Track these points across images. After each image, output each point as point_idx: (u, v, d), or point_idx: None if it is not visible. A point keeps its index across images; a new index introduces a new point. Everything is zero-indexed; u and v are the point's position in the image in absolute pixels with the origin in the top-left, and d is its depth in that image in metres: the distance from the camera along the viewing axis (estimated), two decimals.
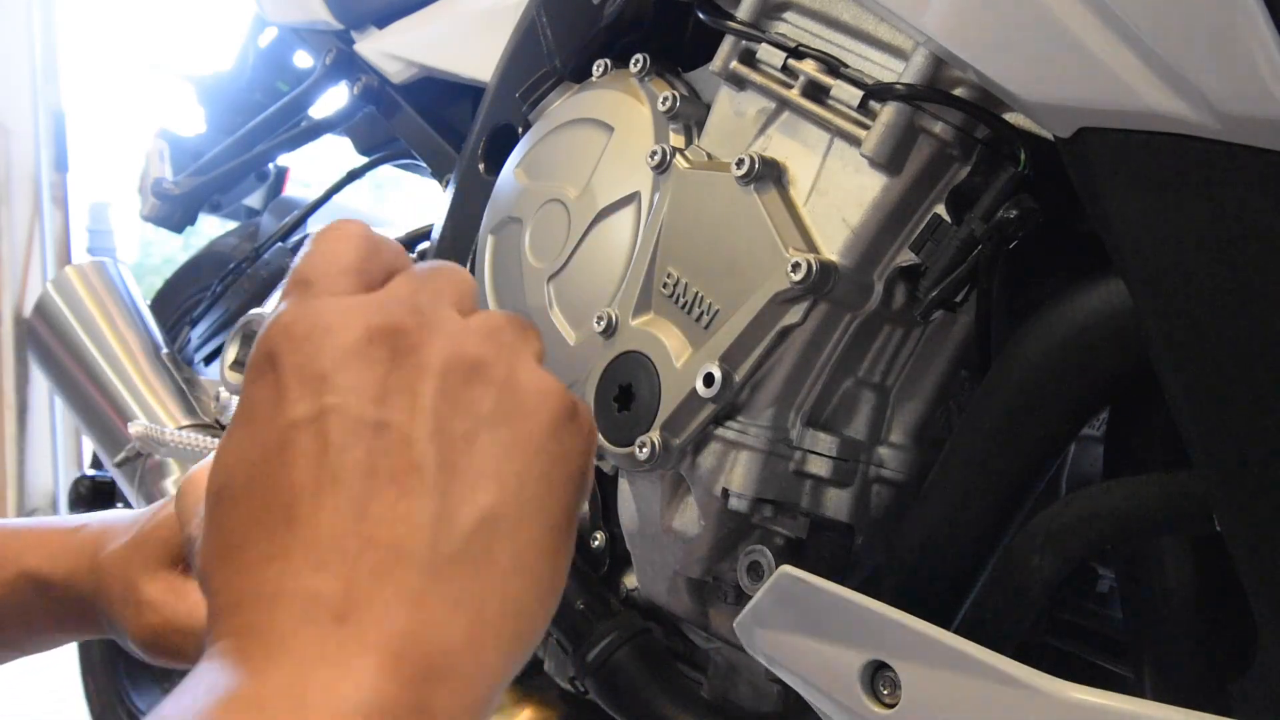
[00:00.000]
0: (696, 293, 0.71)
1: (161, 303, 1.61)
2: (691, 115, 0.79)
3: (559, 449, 0.37)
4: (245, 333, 0.47)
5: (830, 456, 0.70)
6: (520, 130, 0.93)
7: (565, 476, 0.37)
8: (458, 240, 0.98)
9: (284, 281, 0.39)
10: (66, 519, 0.65)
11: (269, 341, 0.36)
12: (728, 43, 0.73)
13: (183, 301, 1.58)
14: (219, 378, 1.33)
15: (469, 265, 0.95)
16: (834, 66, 0.67)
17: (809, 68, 0.68)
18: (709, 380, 0.69)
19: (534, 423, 0.36)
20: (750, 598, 0.66)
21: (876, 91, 0.64)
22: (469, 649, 0.32)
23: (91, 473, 1.54)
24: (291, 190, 1.72)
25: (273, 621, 0.31)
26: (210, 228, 1.78)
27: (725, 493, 0.71)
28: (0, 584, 0.61)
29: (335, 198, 1.46)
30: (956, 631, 0.56)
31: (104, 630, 0.62)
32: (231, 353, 0.48)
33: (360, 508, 0.33)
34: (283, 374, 0.35)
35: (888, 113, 0.63)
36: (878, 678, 0.56)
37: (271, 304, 0.49)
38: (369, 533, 0.32)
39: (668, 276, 0.73)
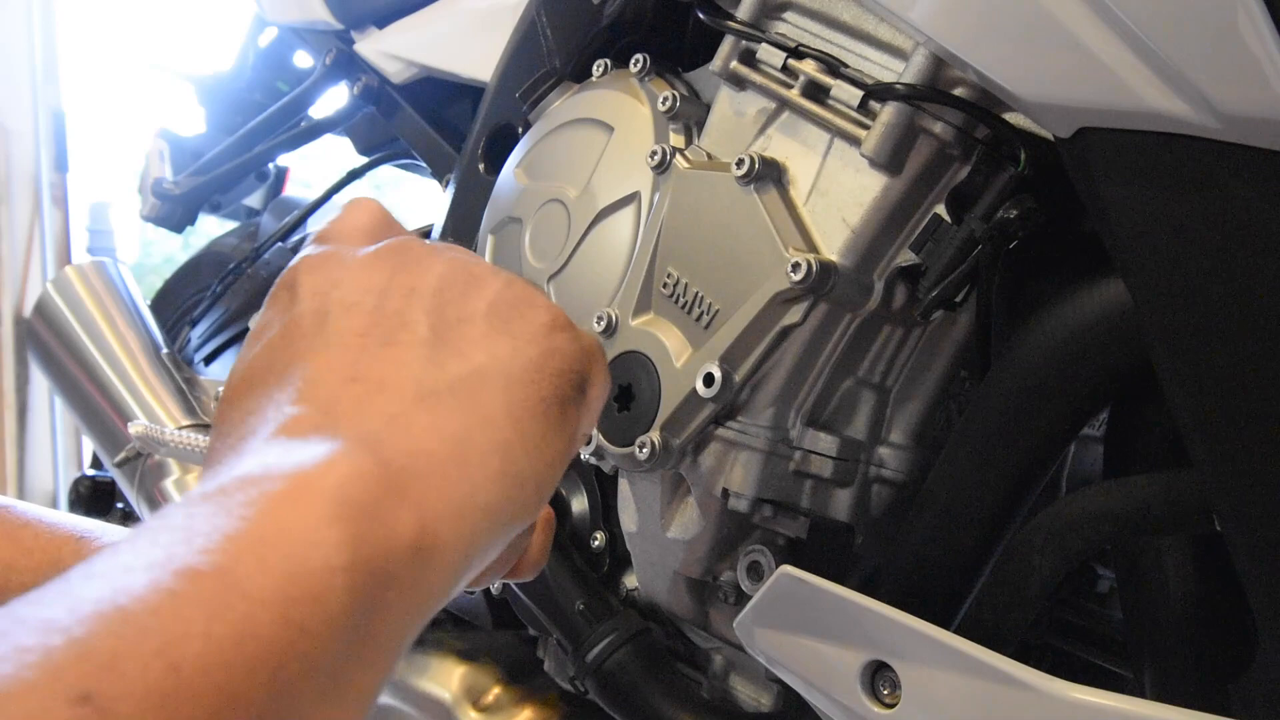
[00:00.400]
0: (696, 293, 0.71)
1: (161, 303, 1.61)
2: (691, 115, 0.79)
3: (551, 345, 0.38)
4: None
5: (830, 456, 0.70)
6: (520, 130, 0.93)
7: (557, 368, 0.38)
8: (458, 240, 0.98)
9: (307, 240, 0.42)
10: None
11: (290, 274, 0.39)
12: (728, 43, 0.73)
13: (183, 301, 1.58)
14: (219, 378, 1.33)
15: None
16: (834, 66, 0.67)
17: (809, 68, 0.68)
18: (709, 380, 0.69)
19: (528, 321, 0.38)
20: (750, 598, 0.66)
21: (876, 91, 0.64)
22: (451, 460, 0.33)
23: (91, 473, 1.54)
24: (291, 190, 1.71)
25: (248, 440, 0.32)
26: (210, 228, 1.78)
27: (725, 493, 0.71)
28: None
29: (335, 198, 1.46)
30: (956, 631, 0.56)
31: None
32: None
33: (351, 358, 0.35)
34: (298, 289, 0.37)
35: (888, 113, 0.63)
36: (878, 678, 0.56)
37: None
38: (355, 373, 0.34)
39: (668, 276, 0.73)
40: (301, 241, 1.45)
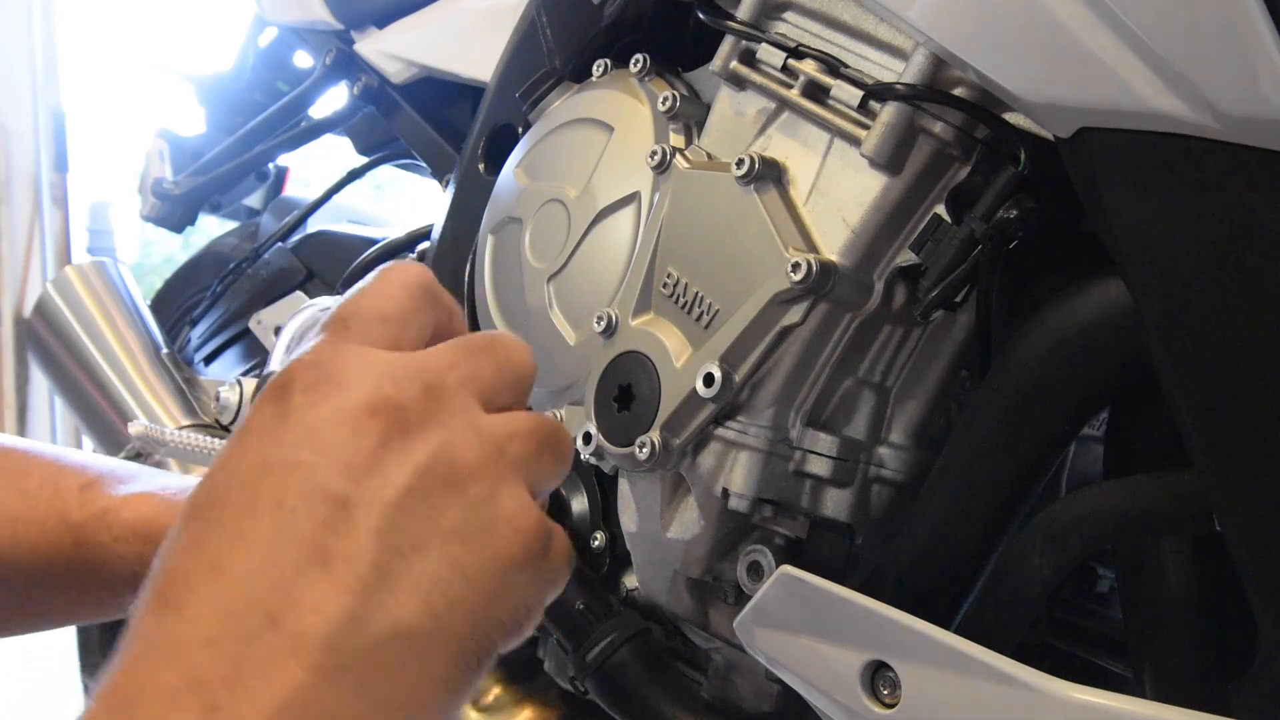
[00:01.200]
0: (696, 293, 0.71)
1: (161, 303, 1.61)
2: (691, 115, 0.79)
3: (505, 588, 0.36)
4: (268, 378, 0.47)
5: (830, 456, 0.70)
6: (520, 130, 0.93)
7: (503, 614, 0.36)
8: (458, 240, 0.98)
9: (329, 314, 0.39)
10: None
11: (288, 374, 0.36)
12: (728, 43, 0.73)
13: (183, 301, 1.58)
14: (219, 378, 1.33)
15: (469, 265, 0.95)
16: (834, 66, 0.67)
17: (809, 68, 0.68)
18: (709, 380, 0.69)
19: (493, 554, 0.35)
20: (750, 598, 0.66)
21: (876, 91, 0.64)
22: None
23: None
24: (291, 190, 1.71)
25: (144, 701, 0.31)
26: (210, 228, 1.78)
27: (725, 493, 0.71)
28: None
29: (335, 198, 1.46)
30: (956, 631, 0.56)
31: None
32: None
33: (281, 578, 0.32)
34: (283, 410, 0.35)
35: (888, 113, 0.63)
36: (878, 678, 0.56)
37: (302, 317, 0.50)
38: (278, 611, 0.32)
39: (668, 276, 0.73)
40: (302, 241, 1.45)
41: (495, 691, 1.01)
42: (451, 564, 0.34)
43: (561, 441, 0.40)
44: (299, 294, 1.20)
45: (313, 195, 1.49)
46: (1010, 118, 0.61)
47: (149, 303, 1.46)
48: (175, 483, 0.60)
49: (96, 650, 1.61)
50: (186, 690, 0.30)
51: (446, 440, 0.36)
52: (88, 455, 0.62)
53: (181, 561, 0.33)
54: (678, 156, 0.75)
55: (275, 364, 0.49)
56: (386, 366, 0.36)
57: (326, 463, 0.34)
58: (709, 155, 0.75)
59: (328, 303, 0.49)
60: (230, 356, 1.52)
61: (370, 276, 0.40)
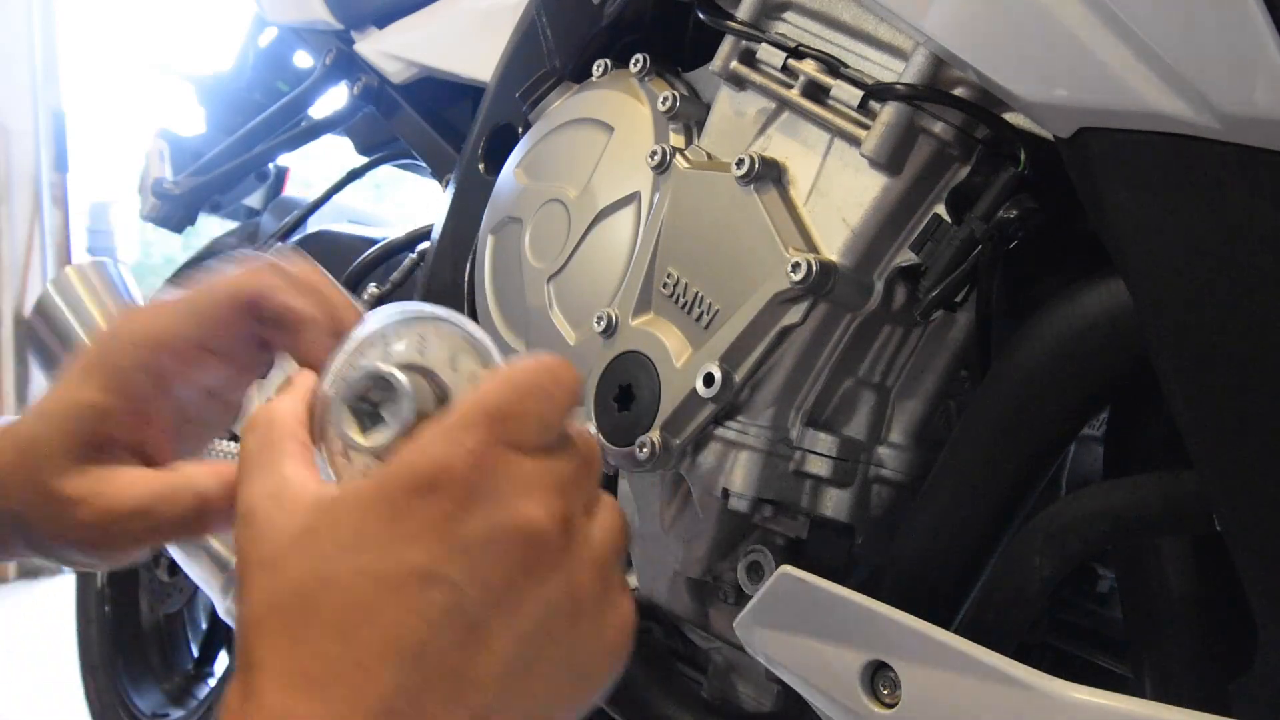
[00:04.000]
0: (696, 293, 0.71)
1: None
2: (691, 115, 0.79)
3: (594, 693, 0.39)
4: (373, 376, 0.41)
5: (830, 456, 0.70)
6: (520, 130, 0.93)
7: (584, 707, 0.39)
8: (458, 240, 0.98)
9: (471, 400, 0.38)
10: None
11: (438, 469, 0.36)
12: (728, 43, 0.73)
13: None
14: None
15: (469, 265, 0.95)
16: (834, 66, 0.67)
17: (809, 68, 0.68)
18: (709, 380, 0.69)
19: (596, 669, 0.38)
20: (750, 598, 0.66)
21: (876, 91, 0.64)
22: None
23: None
24: (291, 190, 1.72)
25: None
26: (210, 228, 1.78)
27: (725, 493, 0.71)
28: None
29: (335, 198, 1.46)
30: (956, 631, 0.56)
31: (25, 547, 0.55)
32: (350, 424, 0.42)
33: (418, 694, 0.34)
34: (433, 510, 0.35)
35: (888, 113, 0.63)
36: (878, 678, 0.56)
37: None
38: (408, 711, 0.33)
39: (668, 276, 0.73)
40: (302, 241, 1.45)
41: None
42: (557, 688, 0.37)
43: (627, 525, 0.42)
44: None
45: (313, 195, 1.49)
46: (1010, 118, 0.61)
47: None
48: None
49: (96, 650, 1.61)
50: None
51: (571, 576, 0.37)
52: None
53: (327, 645, 0.34)
54: (678, 156, 0.75)
55: (369, 356, 0.45)
56: (537, 483, 0.37)
57: (474, 584, 0.35)
58: (709, 155, 0.75)
59: (453, 318, 0.44)
60: None
61: (530, 367, 0.39)
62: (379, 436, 0.43)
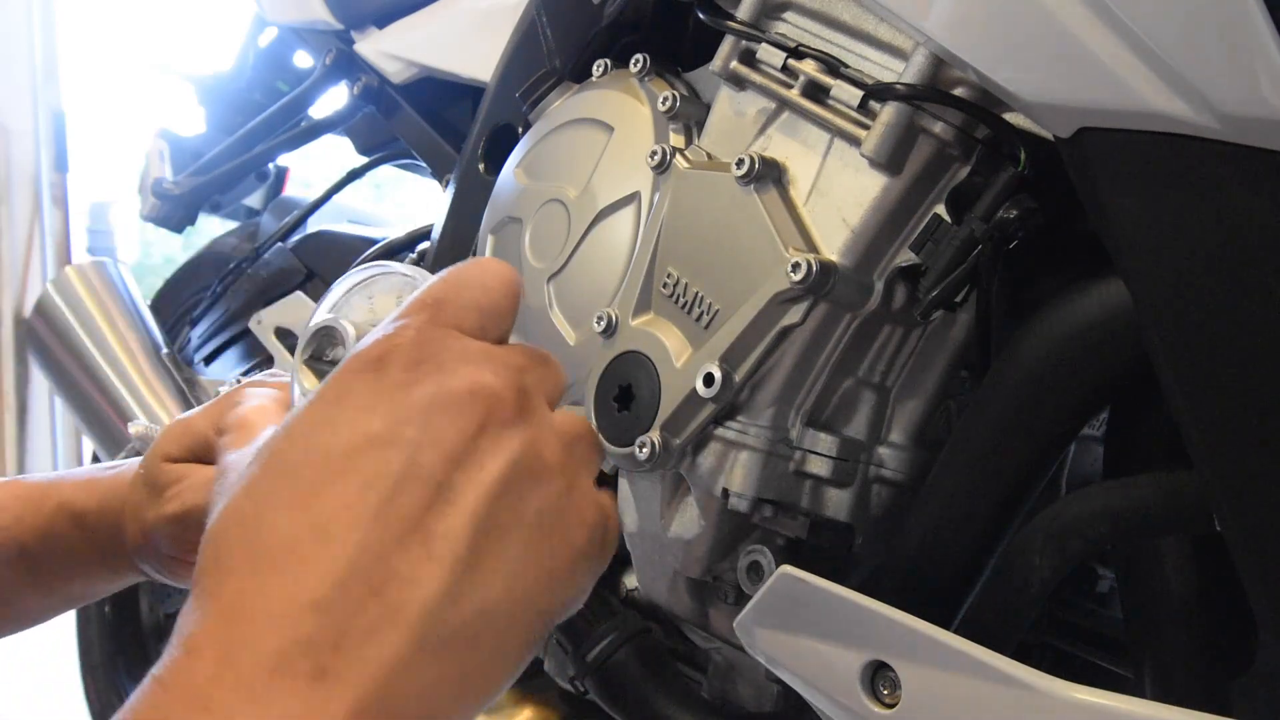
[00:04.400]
0: (696, 293, 0.71)
1: (161, 303, 1.61)
2: (691, 115, 0.79)
3: (572, 574, 0.38)
4: (320, 331, 0.49)
5: (830, 456, 0.70)
6: (520, 130, 0.93)
7: (566, 598, 0.39)
8: (458, 240, 0.98)
9: (413, 297, 0.40)
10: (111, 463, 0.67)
11: (383, 347, 0.37)
12: (728, 43, 0.73)
13: (183, 301, 1.58)
14: (219, 378, 1.33)
15: None
16: (834, 66, 0.67)
17: (809, 68, 0.68)
18: (709, 380, 0.69)
19: (565, 544, 0.38)
20: (750, 598, 0.66)
21: (876, 91, 0.64)
22: (442, 713, 0.34)
23: None
24: (291, 190, 1.72)
25: (252, 658, 0.31)
26: (210, 228, 1.78)
27: (725, 493, 0.71)
28: (39, 516, 0.62)
29: (335, 198, 1.46)
30: (956, 631, 0.56)
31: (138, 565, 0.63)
32: (309, 380, 0.49)
33: (385, 552, 0.33)
34: (383, 382, 0.36)
35: (888, 113, 0.63)
36: (878, 678, 0.56)
37: (324, 307, 0.51)
38: (380, 582, 0.33)
39: (668, 276, 0.73)
40: (302, 241, 1.45)
41: None
42: (531, 551, 0.37)
43: (600, 441, 0.43)
44: (299, 294, 1.20)
45: (313, 195, 1.49)
46: (1010, 118, 0.61)
47: (149, 303, 1.46)
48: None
49: (96, 650, 1.61)
50: (297, 653, 0.31)
51: (534, 437, 0.38)
52: (79, 475, 0.66)
53: (283, 521, 0.34)
54: (678, 156, 0.75)
55: (320, 316, 0.50)
56: (483, 356, 0.38)
57: (430, 444, 0.35)
58: (709, 155, 0.75)
59: (399, 269, 0.50)
60: (230, 356, 1.52)
61: (466, 264, 0.41)
62: None
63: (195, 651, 0.31)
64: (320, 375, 0.48)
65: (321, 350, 0.49)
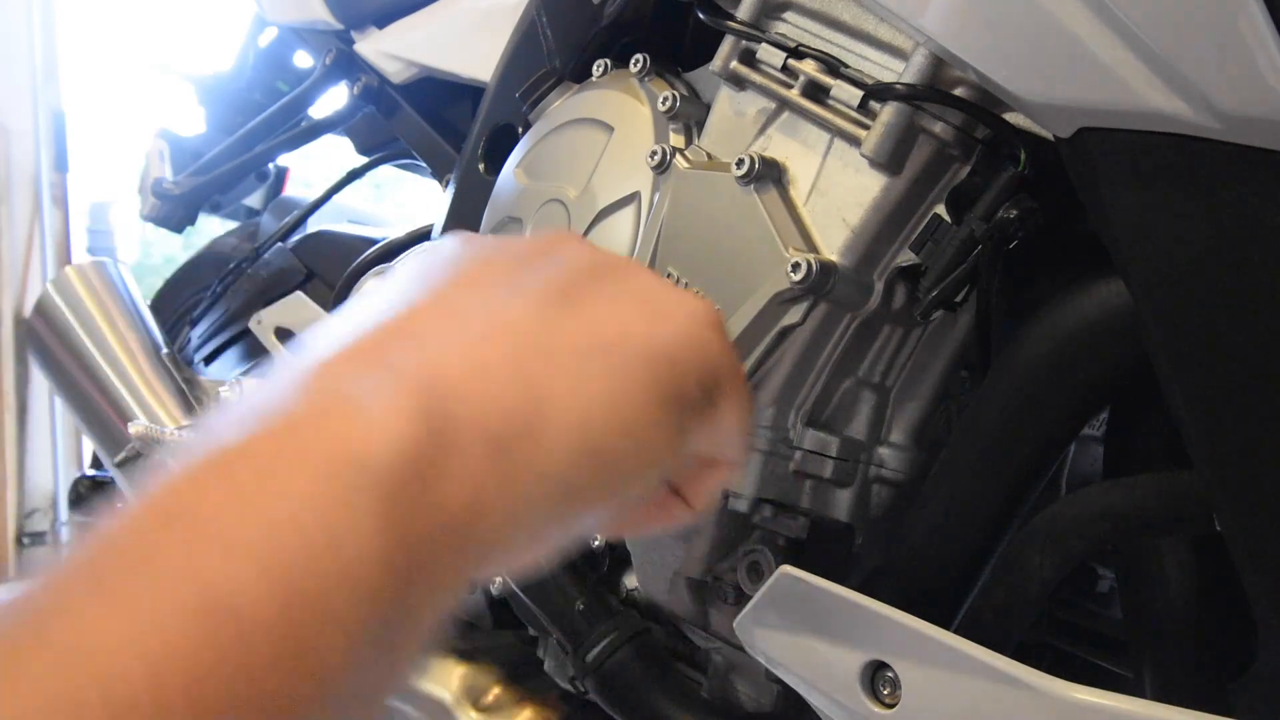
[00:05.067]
0: (697, 292, 0.71)
1: (161, 303, 1.61)
2: (691, 115, 0.79)
3: (695, 334, 0.36)
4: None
5: (830, 456, 0.70)
6: (520, 130, 0.93)
7: (690, 362, 0.36)
8: None
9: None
10: None
11: (482, 257, 0.37)
12: (728, 43, 0.73)
13: (183, 301, 1.58)
14: (219, 378, 1.33)
15: None
16: (834, 66, 0.67)
17: (809, 68, 0.68)
18: None
19: (677, 306, 0.36)
20: (750, 598, 0.66)
21: (876, 91, 0.64)
22: (523, 419, 0.31)
23: (91, 473, 1.54)
24: (291, 190, 1.72)
25: (321, 349, 0.30)
26: (210, 228, 1.78)
27: (725, 493, 0.71)
28: None
29: (335, 198, 1.46)
30: (956, 631, 0.56)
31: None
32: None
33: (470, 294, 0.34)
34: (494, 272, 0.36)
35: (888, 113, 0.63)
36: (878, 678, 0.56)
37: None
38: (466, 308, 0.33)
39: (668, 276, 0.73)
40: (302, 241, 1.45)
41: (495, 691, 1.00)
42: (642, 309, 0.36)
43: None
44: (299, 294, 1.20)
45: (313, 195, 1.49)
46: (1010, 118, 0.61)
47: (149, 303, 1.46)
48: None
49: None
50: (403, 335, 0.31)
51: (600, 254, 0.38)
52: None
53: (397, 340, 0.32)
54: (678, 156, 0.75)
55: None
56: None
57: (506, 254, 0.37)
58: (709, 155, 0.75)
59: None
60: (230, 356, 1.52)
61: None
62: None
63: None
64: None
65: None
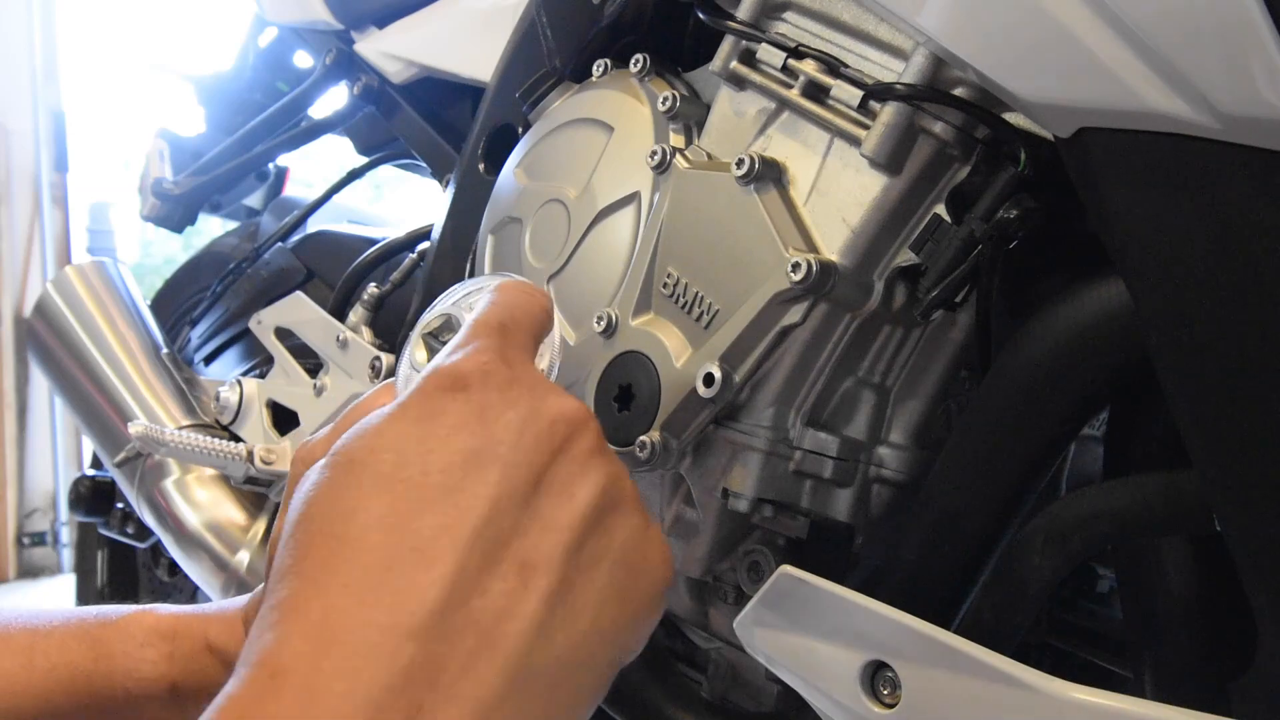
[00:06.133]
0: (696, 293, 0.71)
1: (161, 303, 1.61)
2: (691, 115, 0.79)
3: (649, 613, 0.38)
4: (447, 316, 0.54)
5: (830, 456, 0.70)
6: (520, 130, 0.93)
7: (638, 638, 0.38)
8: (458, 240, 0.98)
9: (473, 319, 0.41)
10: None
11: (469, 366, 0.37)
12: (728, 43, 0.73)
13: (183, 301, 1.58)
14: (219, 378, 1.33)
15: (469, 265, 0.95)
16: (834, 66, 0.67)
17: (809, 68, 0.68)
18: (709, 380, 0.69)
19: (646, 580, 0.38)
20: (750, 598, 0.66)
21: (876, 91, 0.64)
22: None
23: (91, 473, 1.54)
24: (291, 190, 1.72)
25: (346, 691, 0.29)
26: (210, 228, 1.78)
27: (725, 493, 0.71)
28: (185, 657, 0.57)
29: (335, 198, 1.46)
30: (956, 631, 0.56)
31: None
32: (421, 354, 0.53)
33: (482, 579, 0.33)
34: (473, 402, 0.36)
35: (888, 113, 0.63)
36: (878, 678, 0.56)
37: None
38: (477, 613, 0.32)
39: (668, 276, 0.73)
40: (302, 241, 1.45)
41: None
42: (616, 586, 0.36)
43: None
44: (299, 294, 1.20)
45: (313, 195, 1.49)
46: (1010, 118, 0.61)
47: (149, 303, 1.46)
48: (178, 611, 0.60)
49: None
50: (396, 688, 0.30)
51: (618, 469, 0.38)
52: (88, 616, 0.60)
53: (379, 541, 0.32)
54: (678, 156, 0.75)
55: (447, 303, 0.54)
56: (553, 386, 0.38)
57: (525, 464, 0.35)
58: (709, 155, 0.75)
59: (488, 279, 0.54)
60: (230, 356, 1.52)
61: (513, 287, 0.43)
62: None
63: (280, 676, 0.29)
64: (431, 353, 0.52)
65: (440, 333, 0.53)
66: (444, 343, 0.53)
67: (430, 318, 0.55)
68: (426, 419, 0.35)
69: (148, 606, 0.59)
